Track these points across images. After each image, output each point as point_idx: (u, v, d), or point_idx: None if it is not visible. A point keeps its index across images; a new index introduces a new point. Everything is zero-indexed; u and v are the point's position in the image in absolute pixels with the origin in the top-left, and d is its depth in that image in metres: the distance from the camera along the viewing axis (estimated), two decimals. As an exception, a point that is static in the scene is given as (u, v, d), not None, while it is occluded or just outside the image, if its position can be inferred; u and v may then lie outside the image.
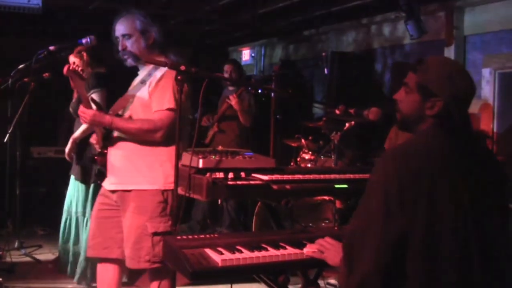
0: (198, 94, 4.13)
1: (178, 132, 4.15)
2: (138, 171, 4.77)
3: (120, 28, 4.93)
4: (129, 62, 4.93)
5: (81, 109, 4.78)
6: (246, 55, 13.30)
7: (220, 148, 4.57)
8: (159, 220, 4.71)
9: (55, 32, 6.49)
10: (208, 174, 3.92)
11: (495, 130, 7.83)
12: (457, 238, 2.81)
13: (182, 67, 4.09)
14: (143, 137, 4.73)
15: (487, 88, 7.90)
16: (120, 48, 4.92)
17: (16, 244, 8.01)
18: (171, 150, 4.56)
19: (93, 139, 5.14)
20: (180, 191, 4.08)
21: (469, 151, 3.02)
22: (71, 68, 4.70)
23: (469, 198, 2.87)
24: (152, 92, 4.74)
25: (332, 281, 6.73)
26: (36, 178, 7.50)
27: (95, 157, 5.03)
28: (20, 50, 6.09)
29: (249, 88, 9.04)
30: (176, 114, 4.35)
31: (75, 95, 6.49)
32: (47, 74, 6.78)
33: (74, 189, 6.65)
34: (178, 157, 4.14)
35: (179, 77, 4.09)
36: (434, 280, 2.78)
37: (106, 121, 4.71)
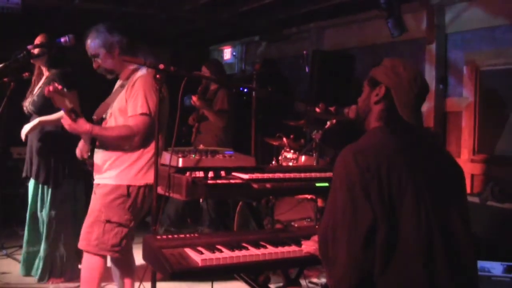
0: (178, 94, 4.13)
1: (157, 132, 4.15)
2: (109, 169, 5.02)
3: (88, 49, 5.15)
4: (108, 76, 5.23)
5: (64, 117, 4.89)
6: (227, 53, 13.27)
7: (201, 147, 4.57)
8: (115, 210, 4.94)
9: (35, 31, 6.44)
10: (187, 173, 3.90)
11: (477, 128, 7.82)
12: (420, 229, 2.87)
13: (161, 66, 4.11)
14: (122, 142, 4.96)
15: (469, 86, 7.90)
16: (94, 67, 5.17)
17: (-4, 245, 7.96)
18: (144, 149, 4.98)
19: (79, 153, 5.34)
20: (159, 190, 4.07)
21: (421, 146, 3.12)
22: (51, 89, 4.71)
23: (428, 189, 2.94)
24: (128, 97, 4.95)
25: (315, 279, 6.71)
26: (17, 179, 7.43)
27: (86, 161, 5.17)
28: (0, 50, 6.03)
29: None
30: (150, 118, 4.79)
31: (32, 91, 6.47)
32: (27, 73, 6.71)
33: (37, 191, 6.62)
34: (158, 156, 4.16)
35: (157, 76, 4.11)
36: (401, 270, 2.83)
37: (86, 129, 4.85)
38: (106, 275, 5.37)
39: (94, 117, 5.12)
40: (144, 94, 4.87)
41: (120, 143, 4.97)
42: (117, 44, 5.09)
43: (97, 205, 5.00)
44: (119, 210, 4.93)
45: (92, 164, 5.18)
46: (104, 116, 5.13)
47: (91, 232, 4.96)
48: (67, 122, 4.83)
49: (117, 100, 5.05)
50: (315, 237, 3.51)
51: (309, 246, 3.53)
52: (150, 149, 4.94)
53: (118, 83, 5.23)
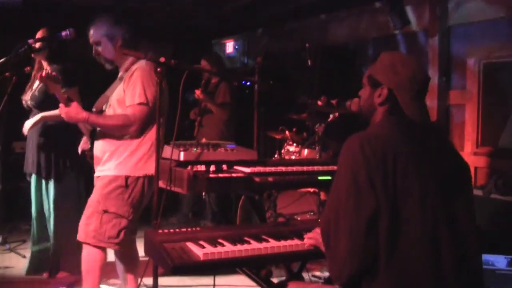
0: (179, 88, 4.13)
1: (158, 125, 4.15)
2: (108, 160, 5.04)
3: (91, 37, 5.19)
4: (106, 66, 5.24)
5: (60, 106, 4.96)
6: (229, 47, 13.25)
7: (203, 140, 4.57)
8: (113, 201, 4.94)
9: (35, 26, 6.42)
10: (189, 167, 3.90)
11: (480, 120, 7.81)
12: (425, 221, 2.86)
13: (162, 59, 4.13)
14: (119, 131, 4.98)
15: (472, 79, 7.88)
16: (93, 54, 5.20)
17: (-1, 240, 7.96)
18: (143, 140, 4.97)
19: (81, 148, 5.41)
20: (161, 184, 4.06)
21: (427, 140, 3.10)
22: (44, 74, 4.79)
23: (434, 181, 2.94)
24: (125, 88, 4.97)
25: (317, 273, 6.70)
26: (19, 173, 7.41)
27: (85, 152, 5.20)
28: (1, 45, 6.01)
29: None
30: (148, 108, 4.82)
31: (32, 86, 6.45)
32: (28, 68, 6.70)
33: (40, 186, 6.61)
34: (159, 150, 4.16)
35: (158, 69, 4.12)
36: (405, 260, 2.82)
37: (82, 117, 4.90)
38: (110, 269, 5.36)
39: (94, 109, 5.15)
40: (142, 84, 4.88)
41: (116, 132, 4.98)
42: (120, 36, 5.11)
43: (96, 196, 5.00)
44: (118, 200, 4.93)
45: (92, 157, 5.20)
46: (104, 108, 5.15)
47: (89, 223, 4.96)
48: (63, 111, 4.89)
49: (115, 91, 5.07)
50: (318, 229, 3.51)
51: (311, 238, 3.52)
52: (148, 140, 4.97)
53: (118, 75, 5.24)
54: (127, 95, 4.93)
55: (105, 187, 4.96)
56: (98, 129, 5.12)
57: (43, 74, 4.77)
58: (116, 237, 4.95)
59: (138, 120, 4.88)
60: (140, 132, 4.95)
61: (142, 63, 4.98)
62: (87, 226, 4.97)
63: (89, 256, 5.02)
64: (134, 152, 4.96)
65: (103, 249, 5.03)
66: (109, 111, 5.08)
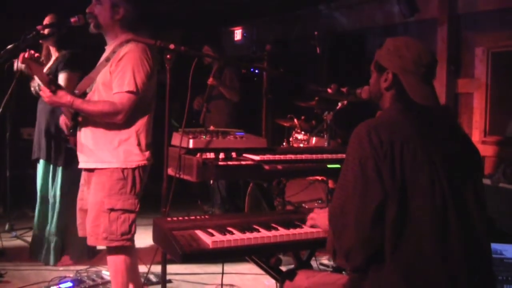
0: (187, 74, 4.12)
1: (167, 114, 4.13)
2: (99, 150, 4.83)
3: None
4: (92, 27, 4.93)
5: (42, 89, 4.75)
6: (238, 34, 13.22)
7: (211, 128, 4.55)
8: (117, 197, 4.76)
9: (42, 12, 6.41)
10: (198, 155, 3.88)
11: (488, 109, 7.79)
12: (434, 208, 2.84)
13: (171, 46, 4.08)
14: (104, 119, 4.76)
15: (480, 67, 7.86)
16: (87, 9, 4.92)
17: (6, 227, 7.96)
18: (132, 130, 4.79)
19: (62, 122, 5.13)
20: (170, 172, 4.05)
21: (437, 125, 3.08)
22: (26, 56, 4.64)
23: (443, 168, 2.91)
24: (113, 72, 4.76)
25: (325, 261, 6.70)
26: (26, 160, 7.41)
27: (68, 137, 5.03)
28: (10, 31, 6.00)
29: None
30: (137, 96, 4.66)
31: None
32: (37, 54, 6.70)
33: (47, 172, 6.62)
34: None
35: (168, 56, 4.08)
36: (413, 248, 2.81)
37: (66, 101, 4.69)
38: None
39: (76, 91, 4.92)
40: (132, 71, 4.68)
41: (102, 119, 4.77)
42: (124, 11, 4.88)
43: (98, 196, 4.79)
44: (121, 195, 4.76)
45: (75, 143, 5.01)
46: (87, 90, 4.94)
47: (98, 225, 4.77)
48: (46, 94, 4.68)
49: (101, 74, 4.85)
50: (317, 210, 3.58)
51: (311, 219, 3.56)
52: (135, 130, 4.81)
53: (103, 55, 5.00)
54: (115, 80, 4.73)
55: (104, 185, 4.77)
56: (84, 119, 4.90)
57: (26, 55, 4.61)
58: (128, 232, 4.78)
59: (126, 109, 4.67)
60: (127, 120, 4.76)
61: (132, 45, 4.77)
62: (96, 228, 4.77)
63: (113, 261, 4.89)
64: (123, 143, 4.79)
65: (124, 249, 4.84)
66: (93, 95, 4.86)
